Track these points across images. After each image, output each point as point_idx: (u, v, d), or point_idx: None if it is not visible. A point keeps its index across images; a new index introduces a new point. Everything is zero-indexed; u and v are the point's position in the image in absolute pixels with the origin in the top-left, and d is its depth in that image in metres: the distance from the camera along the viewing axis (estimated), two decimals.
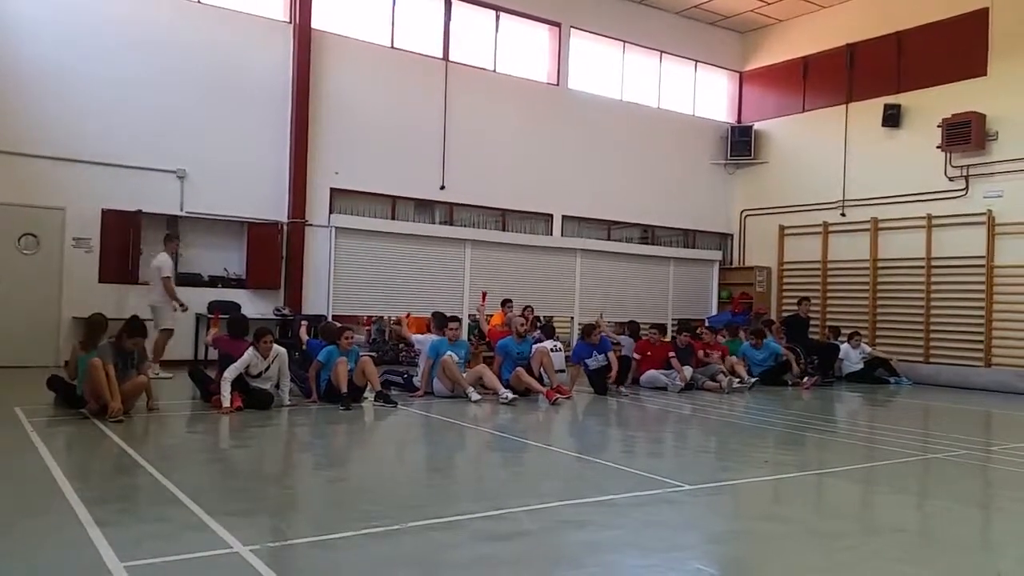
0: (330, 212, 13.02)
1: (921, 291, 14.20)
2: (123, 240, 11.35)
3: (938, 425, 9.37)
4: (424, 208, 14.30)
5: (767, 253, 16.98)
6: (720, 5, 16.29)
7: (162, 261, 10.25)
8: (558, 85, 15.60)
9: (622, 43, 16.36)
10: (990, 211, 13.38)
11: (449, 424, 7.74)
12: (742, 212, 17.66)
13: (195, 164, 11.90)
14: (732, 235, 17.89)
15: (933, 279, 14.08)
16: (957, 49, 13.96)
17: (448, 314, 10.13)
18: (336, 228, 12.89)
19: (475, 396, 9.00)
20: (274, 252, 12.53)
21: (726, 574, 3.67)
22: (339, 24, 13.28)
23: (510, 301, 12.50)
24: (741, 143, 17.31)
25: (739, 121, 17.77)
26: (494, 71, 14.88)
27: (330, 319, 11.49)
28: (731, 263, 17.73)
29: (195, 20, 12.03)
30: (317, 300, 12.60)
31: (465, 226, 14.48)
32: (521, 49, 15.32)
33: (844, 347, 13.19)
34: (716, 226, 17.76)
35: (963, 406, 10.55)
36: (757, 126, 17.37)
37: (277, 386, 8.07)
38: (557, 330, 14.06)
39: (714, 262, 17.37)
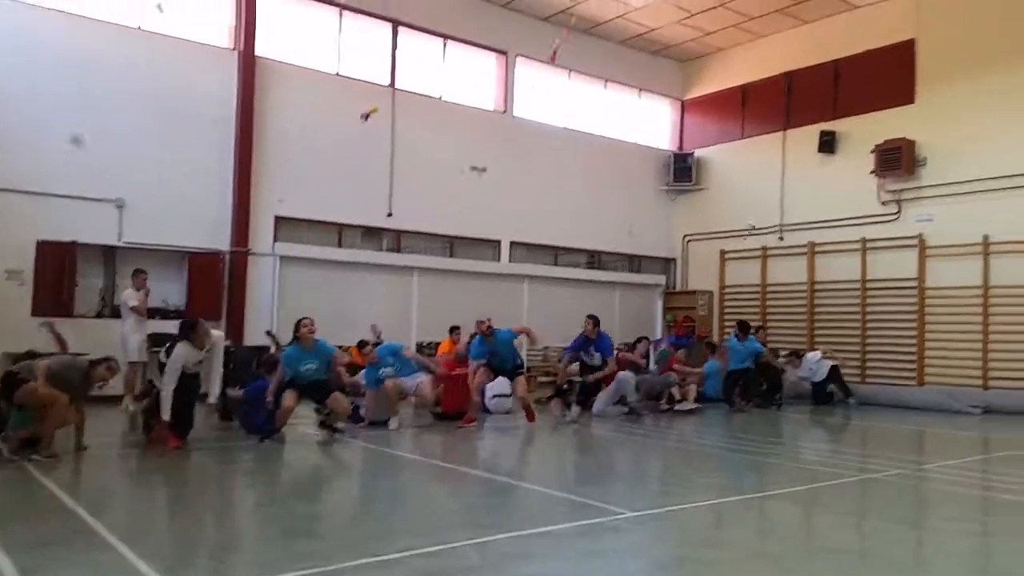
0: (274, 241, 12.85)
1: (857, 313, 14.63)
2: (58, 272, 11.01)
3: (875, 445, 9.62)
4: (371, 236, 14.22)
5: (709, 277, 17.32)
6: (662, 35, 16.70)
7: (127, 296, 10.33)
8: (505, 112, 15.76)
9: (567, 71, 16.64)
10: (921, 235, 13.89)
11: (392, 456, 7.65)
12: (684, 237, 18.00)
13: (134, 193, 11.63)
14: (675, 260, 18.21)
15: (868, 301, 14.52)
16: (888, 77, 14.53)
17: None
18: (280, 257, 12.74)
19: (394, 424, 8.98)
20: (216, 282, 12.29)
21: None
22: (284, 51, 13.22)
23: (458, 328, 12.47)
24: (683, 170, 17.69)
25: (681, 148, 18.17)
26: (441, 99, 14.97)
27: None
28: (675, 287, 18.02)
29: (136, 45, 11.83)
30: (260, 331, 12.37)
31: (413, 253, 14.45)
32: (468, 77, 15.45)
33: (810, 358, 13.31)
34: (660, 251, 18.06)
35: (898, 425, 10.85)
36: (698, 153, 17.78)
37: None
38: None
39: (658, 287, 17.67)
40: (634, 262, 17.78)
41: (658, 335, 16.89)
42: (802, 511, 5.75)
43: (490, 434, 9.37)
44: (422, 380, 9.59)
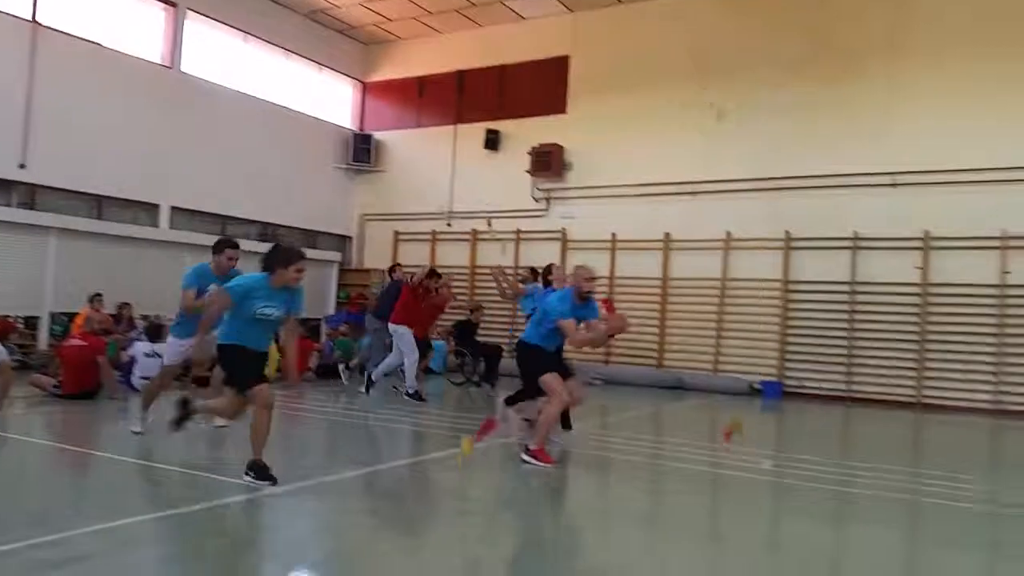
0: None
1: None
2: None
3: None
4: None
5: (383, 257, 17.86)
6: (345, 14, 16.72)
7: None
8: (172, 68, 14.62)
9: (243, 34, 15.91)
10: (564, 229, 15.78)
11: (4, 439, 6.88)
12: (361, 216, 18.33)
13: None
14: (351, 237, 18.46)
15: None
16: (546, 87, 16.20)
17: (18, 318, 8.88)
18: None
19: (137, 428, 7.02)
20: None
21: (316, 572, 3.91)
22: None
23: (99, 296, 11.43)
24: (362, 150, 17.97)
25: (361, 129, 18.41)
26: (97, 44, 13.43)
27: None
28: (350, 265, 18.29)
29: None
30: None
31: (51, 212, 12.84)
32: (131, 25, 14.06)
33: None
34: (336, 228, 18.17)
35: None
36: (377, 135, 18.18)
37: None
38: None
39: (334, 263, 17.78)
40: (310, 237, 17.66)
41: (331, 311, 17.06)
42: (445, 476, 6.36)
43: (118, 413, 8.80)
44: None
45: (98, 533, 4.14)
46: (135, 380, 9.68)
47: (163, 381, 7.20)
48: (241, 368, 5.42)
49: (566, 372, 6.72)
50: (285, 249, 5.53)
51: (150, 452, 6.46)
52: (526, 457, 6.42)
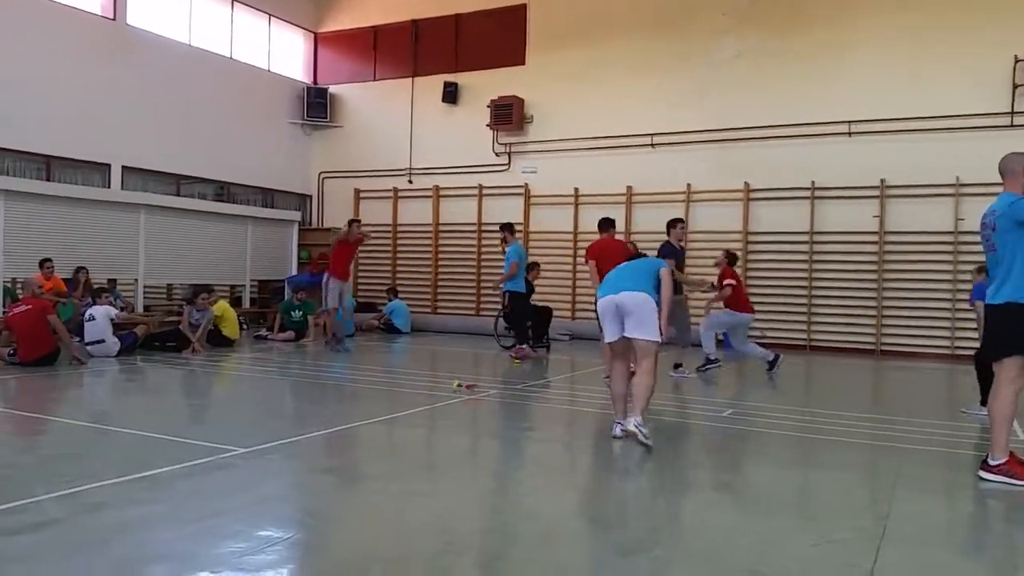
0: None
1: (473, 253, 16.10)
2: None
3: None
4: None
5: (344, 215, 17.54)
6: None
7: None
8: (115, 20, 14.03)
9: None
10: (527, 184, 15.67)
11: None
12: (320, 174, 17.98)
13: None
14: (311, 196, 18.12)
15: (484, 243, 16.04)
16: (503, 38, 15.92)
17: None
18: None
19: None
20: None
21: (284, 533, 3.88)
22: None
23: (49, 260, 11.10)
24: (317, 104, 17.54)
25: (315, 82, 17.95)
26: None
27: None
28: (310, 224, 17.98)
29: None
30: None
31: None
32: None
33: None
34: (294, 186, 17.81)
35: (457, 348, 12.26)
36: (332, 89, 17.74)
37: None
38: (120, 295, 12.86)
39: (293, 223, 17.43)
40: (268, 196, 17.29)
41: (293, 272, 16.78)
42: (408, 432, 6.36)
43: (86, 380, 8.63)
44: None
45: (61, 499, 4.06)
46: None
47: None
48: None
49: None
50: None
51: (115, 418, 6.33)
52: None
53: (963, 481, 5.05)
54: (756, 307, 13.86)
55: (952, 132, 12.43)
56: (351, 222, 12.77)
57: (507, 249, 11.54)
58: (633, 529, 4.00)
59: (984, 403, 6.06)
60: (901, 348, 12.81)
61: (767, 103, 13.61)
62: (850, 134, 13.14)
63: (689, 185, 14.25)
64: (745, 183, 13.82)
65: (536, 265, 12.73)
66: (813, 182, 13.37)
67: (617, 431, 5.86)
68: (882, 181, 12.91)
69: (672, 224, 9.42)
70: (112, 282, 13.34)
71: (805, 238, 13.49)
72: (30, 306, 9.00)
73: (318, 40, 18.05)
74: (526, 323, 11.79)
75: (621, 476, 5.20)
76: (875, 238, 13.02)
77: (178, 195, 15.26)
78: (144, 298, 13.82)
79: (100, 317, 9.94)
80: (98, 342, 9.89)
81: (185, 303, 11.98)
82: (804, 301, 13.49)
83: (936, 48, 12.58)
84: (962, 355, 12.15)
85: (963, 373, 11.20)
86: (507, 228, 11.83)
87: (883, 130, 12.88)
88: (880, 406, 8.65)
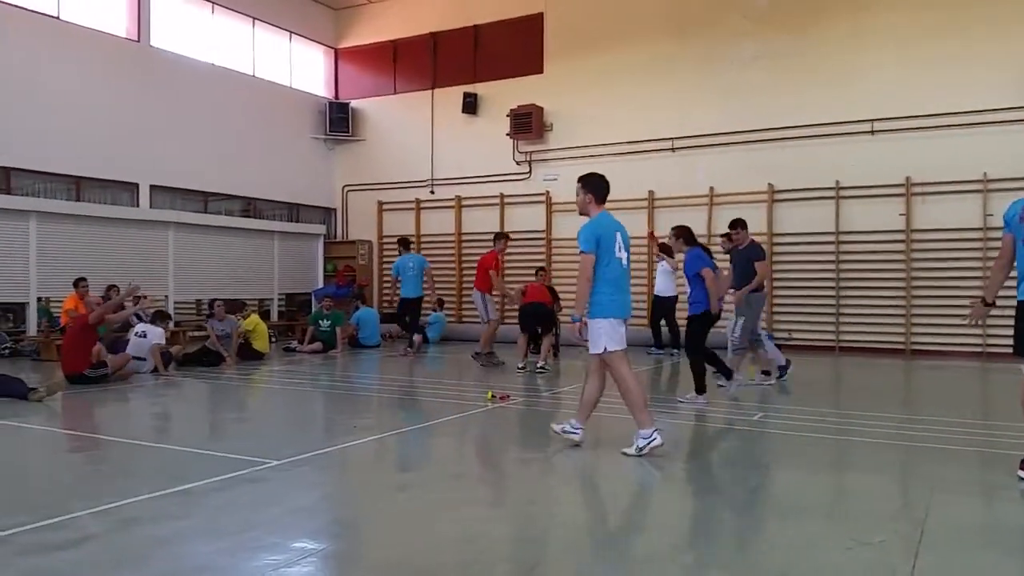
0: None
1: None
2: None
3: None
4: None
5: (368, 227, 17.74)
6: None
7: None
8: (139, 41, 14.30)
9: (211, 4, 15.56)
10: (548, 192, 15.69)
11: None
12: (344, 187, 18.15)
13: None
14: (335, 209, 18.30)
15: (507, 251, 15.95)
16: (521, 47, 15.98)
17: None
18: None
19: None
20: None
21: (318, 545, 3.92)
22: None
23: (84, 280, 11.33)
24: (339, 119, 17.72)
25: (336, 97, 18.14)
26: (58, 18, 13.09)
27: None
28: (335, 237, 18.16)
29: None
30: None
31: (28, 196, 12.63)
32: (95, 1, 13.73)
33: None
34: (319, 200, 18.00)
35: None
36: (354, 104, 17.91)
37: None
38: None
39: (319, 236, 17.64)
40: (293, 211, 17.50)
41: (319, 284, 16.95)
42: (437, 442, 6.39)
43: (119, 396, 8.76)
44: None
45: (98, 514, 4.13)
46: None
47: None
48: None
49: None
50: None
51: (151, 434, 6.43)
52: None
53: (1001, 482, 4.97)
54: (783, 308, 13.90)
55: (977, 127, 12.26)
56: (501, 236, 12.49)
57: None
58: (663, 535, 3.99)
59: None
60: (931, 347, 12.63)
61: (789, 103, 13.52)
62: (873, 132, 13.01)
63: (712, 188, 14.18)
64: (769, 184, 13.73)
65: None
66: (837, 182, 13.24)
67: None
68: (907, 179, 12.76)
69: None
70: (137, 299, 13.53)
71: (831, 238, 13.35)
72: (73, 324, 9.30)
73: (339, 56, 18.26)
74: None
75: (650, 482, 5.18)
76: (902, 236, 12.86)
77: (205, 212, 15.50)
78: (175, 313, 14.03)
79: (152, 337, 10.10)
80: (140, 359, 10.05)
81: (207, 319, 12.13)
82: (832, 302, 13.35)
83: (958, 42, 12.42)
84: (994, 353, 11.95)
85: (997, 371, 11.03)
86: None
87: (907, 127, 12.74)
88: (913, 407, 8.53)
